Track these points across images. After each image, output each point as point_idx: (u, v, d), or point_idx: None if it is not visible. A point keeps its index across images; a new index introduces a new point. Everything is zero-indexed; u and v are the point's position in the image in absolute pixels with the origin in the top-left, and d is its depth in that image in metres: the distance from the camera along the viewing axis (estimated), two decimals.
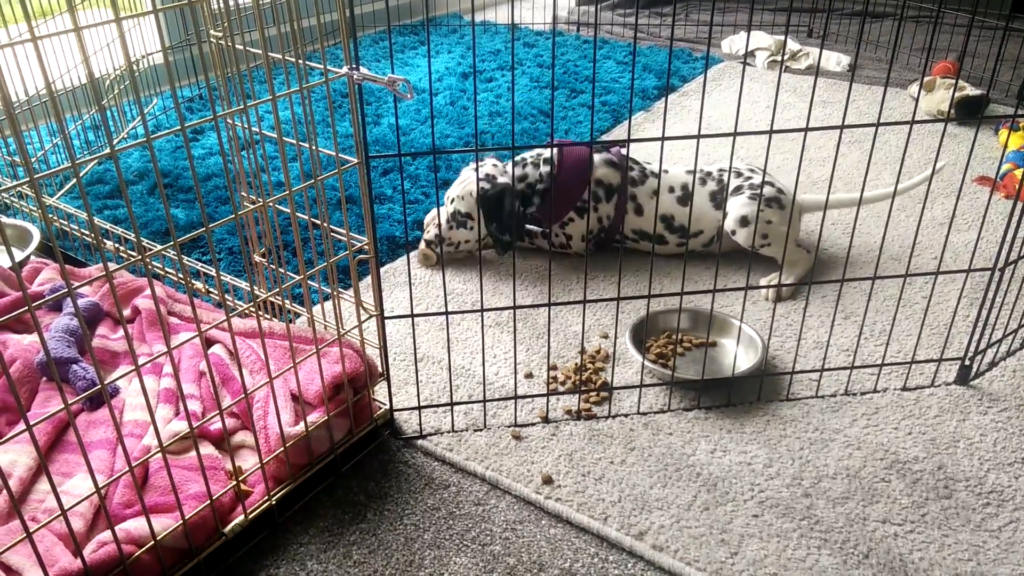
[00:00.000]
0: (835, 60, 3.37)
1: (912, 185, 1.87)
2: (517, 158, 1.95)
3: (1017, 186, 2.19)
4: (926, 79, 2.82)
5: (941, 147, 1.42)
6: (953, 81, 2.80)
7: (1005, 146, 1.92)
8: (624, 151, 1.97)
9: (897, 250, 1.98)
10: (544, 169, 1.91)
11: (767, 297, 1.82)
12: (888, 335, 1.62)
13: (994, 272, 1.45)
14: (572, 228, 1.94)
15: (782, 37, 3.50)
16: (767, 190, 1.86)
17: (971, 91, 2.73)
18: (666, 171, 1.95)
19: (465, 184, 1.95)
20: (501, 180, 1.89)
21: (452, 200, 1.95)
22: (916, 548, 1.20)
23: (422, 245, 1.97)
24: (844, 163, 2.47)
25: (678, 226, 1.92)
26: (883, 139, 2.59)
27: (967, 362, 1.53)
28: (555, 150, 1.90)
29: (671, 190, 1.92)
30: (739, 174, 1.93)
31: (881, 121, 1.29)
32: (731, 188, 1.90)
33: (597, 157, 1.92)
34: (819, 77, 3.10)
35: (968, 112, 2.68)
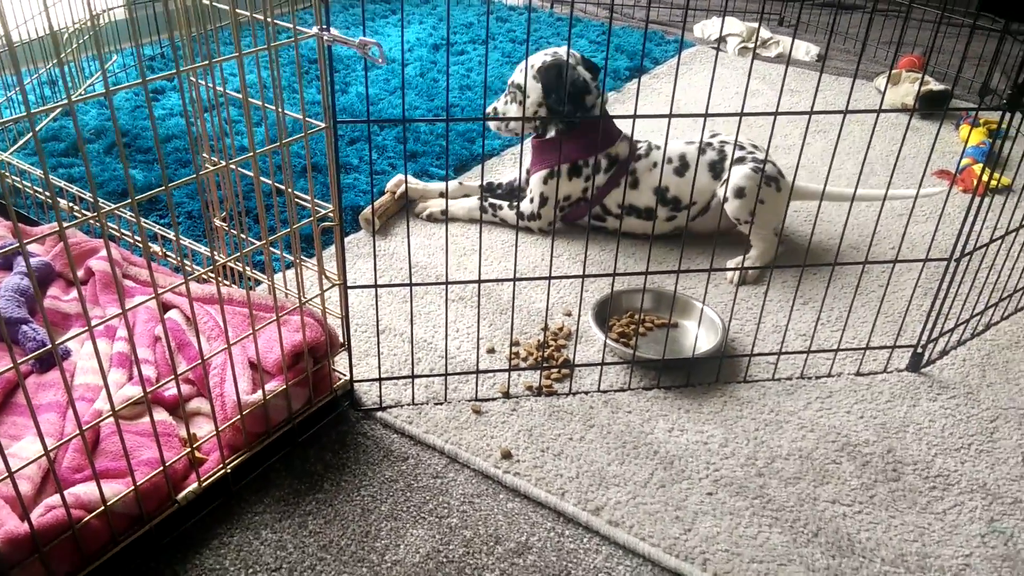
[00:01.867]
0: (804, 50, 3.40)
1: (904, 195, 1.94)
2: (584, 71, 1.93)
3: (975, 181, 2.23)
4: (892, 72, 2.86)
5: (904, 140, 1.44)
6: (918, 75, 2.84)
7: (965, 142, 1.96)
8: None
9: (857, 239, 2.02)
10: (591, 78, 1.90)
11: (732, 280, 1.83)
12: (845, 321, 1.65)
13: (950, 263, 1.48)
14: (550, 187, 1.91)
15: (754, 24, 3.52)
16: (769, 168, 1.85)
17: (935, 86, 2.77)
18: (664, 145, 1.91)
19: (527, 60, 1.92)
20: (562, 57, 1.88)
21: (518, 71, 1.94)
22: (864, 528, 1.23)
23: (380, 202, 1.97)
24: (808, 151, 2.49)
25: (671, 198, 1.91)
26: (847, 129, 2.62)
27: (919, 350, 1.57)
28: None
29: (669, 161, 1.91)
30: (741, 147, 1.91)
31: (846, 121, 1.30)
32: (734, 159, 1.87)
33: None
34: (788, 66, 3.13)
35: (931, 105, 2.72)
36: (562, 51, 1.92)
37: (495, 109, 2.00)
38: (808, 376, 1.55)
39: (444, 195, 1.67)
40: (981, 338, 1.68)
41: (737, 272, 1.82)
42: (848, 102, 1.32)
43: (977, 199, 1.63)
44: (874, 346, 1.59)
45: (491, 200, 2.00)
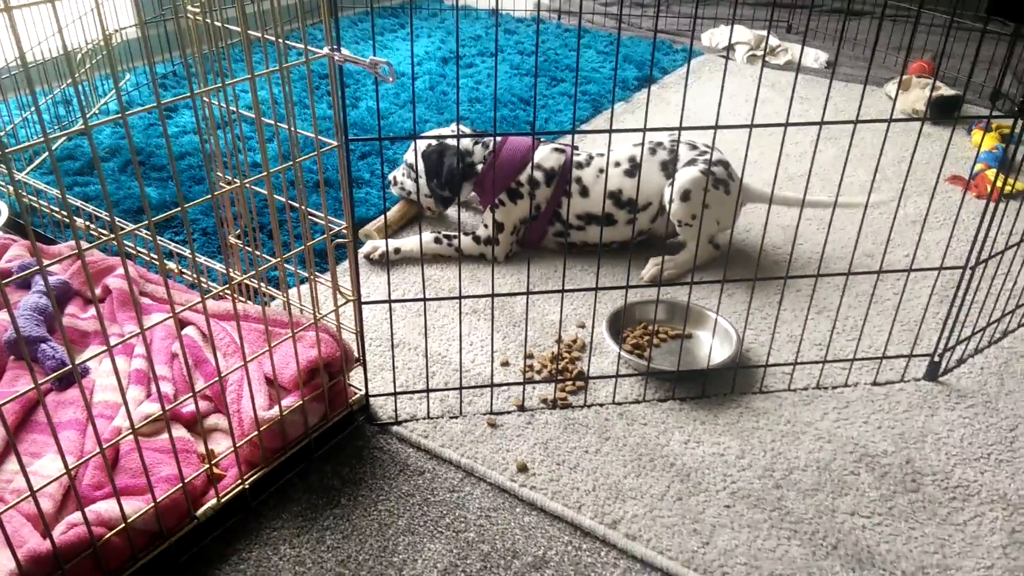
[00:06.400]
0: (813, 56, 3.40)
1: (855, 204, 1.82)
2: (468, 140, 1.95)
3: (988, 186, 2.22)
4: (903, 78, 2.85)
5: (917, 146, 1.44)
6: (928, 81, 2.83)
7: (979, 147, 1.96)
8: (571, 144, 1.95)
9: (871, 247, 2.01)
10: (483, 150, 1.92)
11: (643, 277, 1.85)
12: (860, 331, 1.64)
13: (965, 270, 1.47)
14: (502, 214, 1.89)
15: (762, 32, 3.52)
16: (720, 171, 1.83)
17: (946, 91, 2.77)
18: (612, 150, 1.92)
19: (421, 141, 1.98)
20: (449, 143, 1.92)
21: (410, 151, 2.01)
22: (883, 540, 1.22)
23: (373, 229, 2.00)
24: (820, 159, 2.49)
25: (626, 200, 1.88)
26: (858, 136, 2.62)
27: (936, 359, 1.56)
28: (497, 134, 1.93)
29: (617, 164, 1.89)
30: (694, 147, 1.90)
31: (857, 126, 1.30)
32: (684, 161, 1.87)
33: (543, 145, 1.92)
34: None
35: (942, 112, 2.72)
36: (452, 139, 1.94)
37: (394, 178, 2.07)
38: (824, 386, 1.54)
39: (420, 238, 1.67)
40: (999, 346, 1.67)
41: (653, 269, 1.85)
42: (859, 110, 1.32)
43: (991, 205, 1.63)
44: (890, 355, 1.58)
45: (445, 232, 1.95)
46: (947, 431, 1.44)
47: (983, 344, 1.66)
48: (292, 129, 1.22)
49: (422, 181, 1.98)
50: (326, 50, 1.17)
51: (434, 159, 1.91)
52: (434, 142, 1.93)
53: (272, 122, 1.27)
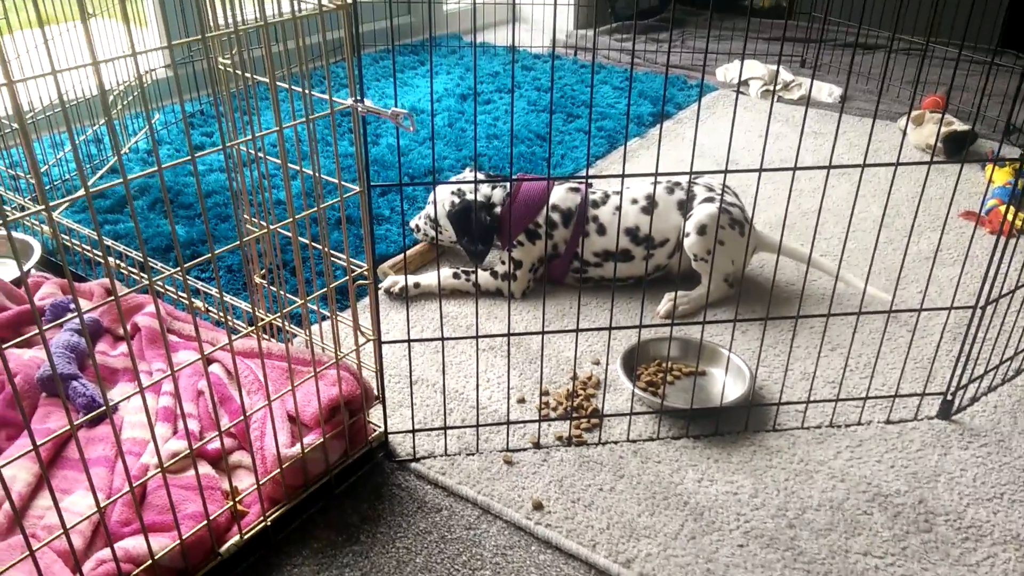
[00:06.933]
0: (827, 91, 3.43)
1: (854, 285, 1.91)
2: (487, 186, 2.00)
3: (1001, 222, 2.23)
4: (915, 113, 2.88)
5: (927, 183, 1.46)
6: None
7: (990, 182, 1.98)
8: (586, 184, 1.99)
9: (884, 283, 2.03)
10: (502, 192, 1.96)
11: (659, 312, 1.89)
12: (872, 368, 1.66)
13: (976, 309, 1.49)
14: (521, 253, 1.94)
15: (775, 67, 3.56)
16: (737, 212, 1.90)
17: (958, 126, 2.79)
18: (628, 187, 1.98)
19: (440, 193, 2.02)
20: (469, 197, 1.95)
21: (430, 203, 2.04)
22: None
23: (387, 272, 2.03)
24: (834, 194, 2.51)
25: (643, 237, 1.92)
26: (872, 171, 2.64)
27: (949, 397, 1.57)
28: (513, 179, 1.96)
29: (634, 201, 1.93)
30: (711, 189, 1.96)
31: (868, 161, 1.33)
32: (701, 199, 1.93)
33: (558, 186, 1.96)
34: (811, 108, 3.13)
35: (956, 146, 2.74)
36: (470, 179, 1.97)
37: (416, 226, 2.10)
38: (837, 424, 1.56)
39: (437, 277, 1.71)
40: (1012, 384, 1.68)
41: (669, 304, 1.88)
42: (867, 148, 1.35)
43: (1002, 241, 1.64)
44: (903, 393, 1.60)
45: (463, 268, 2.00)
46: (960, 470, 1.45)
47: (996, 382, 1.67)
48: (317, 175, 1.27)
49: (447, 234, 2.02)
50: (350, 101, 1.22)
51: (460, 216, 1.93)
52: (456, 199, 1.96)
53: (297, 167, 1.32)
